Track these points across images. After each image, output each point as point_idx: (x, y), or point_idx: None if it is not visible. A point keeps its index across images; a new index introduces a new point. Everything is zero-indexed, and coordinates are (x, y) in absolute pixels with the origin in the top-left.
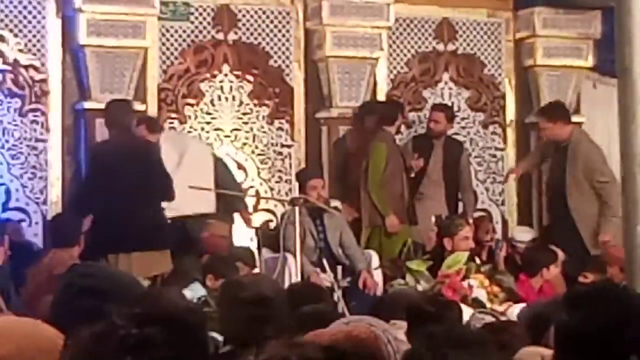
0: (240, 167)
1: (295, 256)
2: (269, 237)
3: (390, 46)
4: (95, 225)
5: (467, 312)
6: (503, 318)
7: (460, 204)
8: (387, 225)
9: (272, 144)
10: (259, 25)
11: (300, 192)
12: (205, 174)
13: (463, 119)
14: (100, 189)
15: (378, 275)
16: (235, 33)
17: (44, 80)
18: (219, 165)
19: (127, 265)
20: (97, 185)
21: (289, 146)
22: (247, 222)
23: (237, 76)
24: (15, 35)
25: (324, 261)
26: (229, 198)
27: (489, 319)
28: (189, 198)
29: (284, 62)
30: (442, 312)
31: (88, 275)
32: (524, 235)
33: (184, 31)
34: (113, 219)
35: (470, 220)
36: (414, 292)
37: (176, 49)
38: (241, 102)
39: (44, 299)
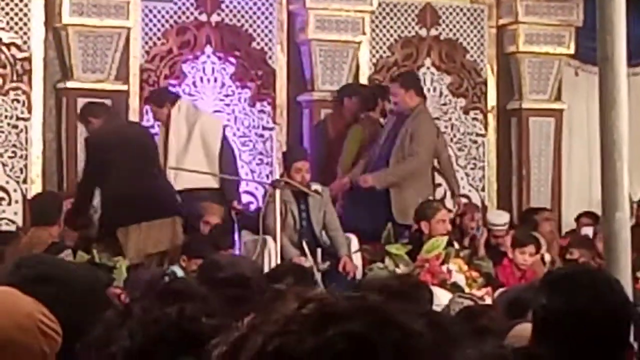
0: None
1: (275, 239)
2: (249, 220)
3: (373, 30)
4: (104, 204)
5: (446, 296)
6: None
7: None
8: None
9: (254, 127)
10: (242, 7)
11: (285, 172)
12: (212, 149)
13: (444, 104)
14: (106, 170)
15: (358, 259)
16: (218, 14)
17: (26, 59)
18: (226, 146)
19: (139, 238)
20: (101, 167)
21: (270, 129)
22: (235, 213)
23: (219, 58)
24: None
25: (304, 245)
26: (228, 181)
27: (468, 303)
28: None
29: (266, 44)
30: (413, 292)
31: (39, 264)
32: (498, 218)
33: (167, 12)
34: (120, 195)
35: (454, 208)
36: (387, 274)
37: (159, 30)
38: (223, 84)
39: None
